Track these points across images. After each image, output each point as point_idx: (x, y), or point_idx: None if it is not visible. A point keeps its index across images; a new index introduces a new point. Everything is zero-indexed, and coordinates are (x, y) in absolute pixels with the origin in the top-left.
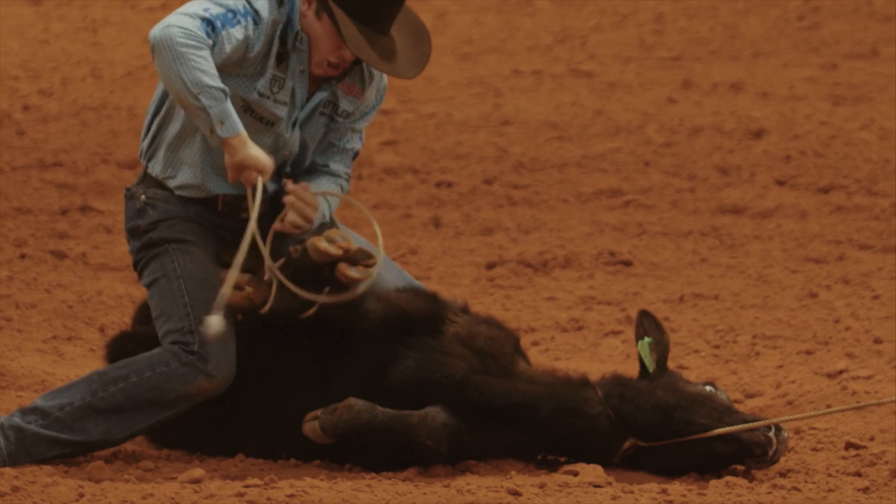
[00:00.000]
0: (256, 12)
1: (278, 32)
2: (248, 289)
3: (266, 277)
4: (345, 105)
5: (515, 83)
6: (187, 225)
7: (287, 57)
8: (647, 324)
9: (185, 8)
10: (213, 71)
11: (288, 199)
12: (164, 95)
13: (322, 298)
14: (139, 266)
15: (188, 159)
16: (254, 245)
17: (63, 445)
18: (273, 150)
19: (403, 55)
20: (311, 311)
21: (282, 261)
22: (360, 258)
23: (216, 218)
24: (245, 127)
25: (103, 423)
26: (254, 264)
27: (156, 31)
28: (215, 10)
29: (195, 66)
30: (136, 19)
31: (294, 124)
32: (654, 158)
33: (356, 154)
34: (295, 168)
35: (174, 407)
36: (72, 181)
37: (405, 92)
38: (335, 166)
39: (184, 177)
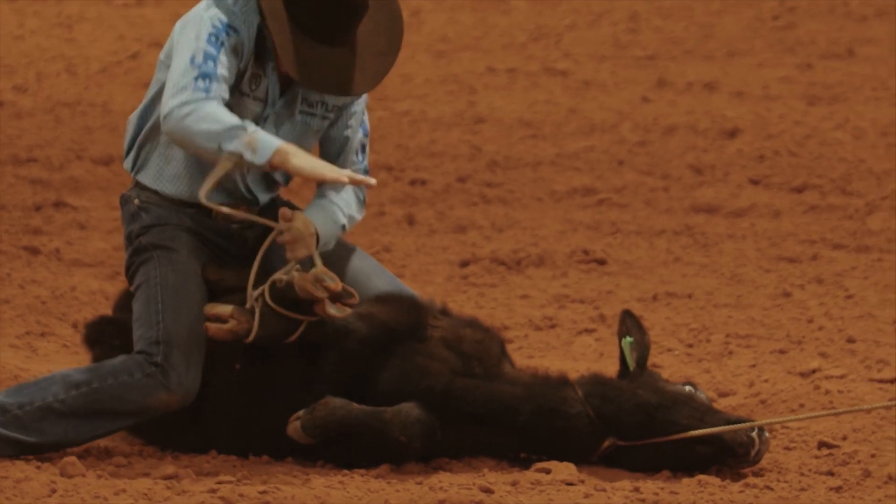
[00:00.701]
0: (231, 27)
1: (255, 31)
2: (232, 321)
3: (248, 306)
4: (333, 100)
5: (490, 81)
6: (177, 233)
7: (265, 53)
8: (630, 323)
9: (176, 79)
10: (219, 113)
11: (282, 237)
12: (148, 110)
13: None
14: (129, 271)
15: (178, 170)
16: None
17: (15, 445)
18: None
19: (360, 67)
20: (296, 335)
21: (261, 290)
22: (344, 297)
23: (210, 222)
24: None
25: (61, 425)
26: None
27: (166, 125)
28: (199, 57)
29: (203, 130)
30: (112, 15)
31: (265, 120)
32: (628, 157)
33: (364, 146)
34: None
35: (134, 417)
36: (46, 177)
37: (379, 89)
38: (333, 195)
39: (175, 188)
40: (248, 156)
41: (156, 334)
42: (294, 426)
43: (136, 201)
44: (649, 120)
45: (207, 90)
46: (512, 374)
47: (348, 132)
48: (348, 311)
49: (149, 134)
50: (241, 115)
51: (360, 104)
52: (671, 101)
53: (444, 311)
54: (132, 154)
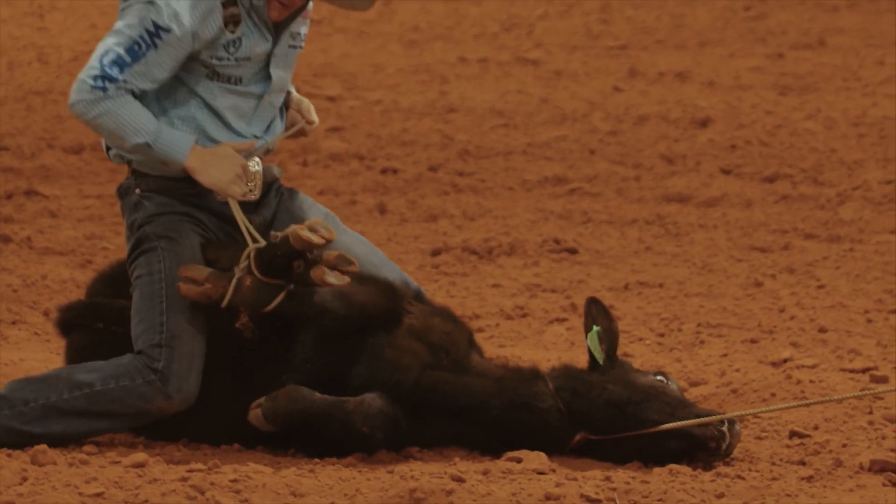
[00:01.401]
0: (176, 16)
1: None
2: (207, 284)
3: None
4: (304, 30)
5: (461, 71)
6: (182, 223)
7: (238, 17)
8: (596, 311)
9: (96, 60)
10: (128, 113)
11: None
12: None
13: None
14: (130, 260)
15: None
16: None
17: (20, 436)
18: (255, 102)
19: None
20: (272, 305)
21: (248, 258)
22: (340, 263)
23: (214, 203)
24: (221, 97)
25: (63, 423)
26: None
27: (72, 110)
28: (124, 46)
29: (112, 130)
30: (83, 5)
31: (267, 77)
32: (599, 147)
33: None
34: (274, 119)
35: (134, 420)
36: (17, 165)
37: (351, 79)
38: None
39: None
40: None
41: (158, 337)
42: (255, 413)
43: (137, 191)
44: (621, 110)
45: (106, 90)
46: (482, 366)
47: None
48: (346, 279)
49: None
50: (228, 77)
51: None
52: (643, 90)
53: (418, 296)
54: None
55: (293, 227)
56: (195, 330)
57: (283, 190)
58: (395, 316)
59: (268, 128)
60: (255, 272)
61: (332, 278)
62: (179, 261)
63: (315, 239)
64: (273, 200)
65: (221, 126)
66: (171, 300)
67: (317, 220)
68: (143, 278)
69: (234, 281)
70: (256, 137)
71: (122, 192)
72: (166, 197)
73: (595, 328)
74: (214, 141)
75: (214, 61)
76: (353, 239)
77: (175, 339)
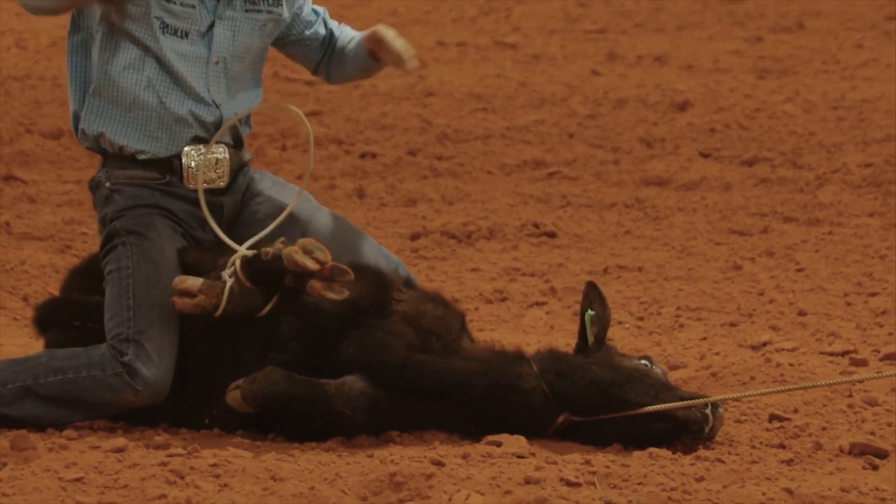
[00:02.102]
0: None
1: None
2: (200, 296)
3: (221, 280)
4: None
5: (440, 55)
6: (152, 217)
7: None
8: (593, 296)
9: None
10: None
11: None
12: (84, 73)
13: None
14: (102, 255)
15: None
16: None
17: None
18: (205, 63)
19: None
20: (266, 309)
21: (233, 265)
22: (336, 274)
23: (185, 192)
24: (171, 51)
25: (41, 406)
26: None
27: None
28: None
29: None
30: None
31: (213, 25)
32: (578, 130)
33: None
34: (237, 91)
35: (105, 411)
36: None
37: None
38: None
39: (138, 144)
40: None
41: (126, 331)
42: (233, 395)
43: (108, 184)
44: (599, 93)
45: None
46: (468, 349)
47: (304, 13)
48: (346, 293)
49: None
50: (175, 30)
51: None
52: (621, 74)
53: (409, 283)
54: (85, 121)
55: (287, 250)
56: (164, 324)
57: (252, 174)
58: (386, 305)
59: (231, 98)
60: (244, 281)
61: (332, 293)
62: (147, 256)
63: (310, 265)
64: (242, 184)
65: (175, 87)
66: (138, 296)
67: (310, 240)
68: (113, 274)
69: (226, 290)
70: (216, 105)
71: (94, 186)
72: (136, 189)
73: (590, 312)
74: (167, 103)
75: (161, 9)
76: (331, 216)
77: (142, 333)
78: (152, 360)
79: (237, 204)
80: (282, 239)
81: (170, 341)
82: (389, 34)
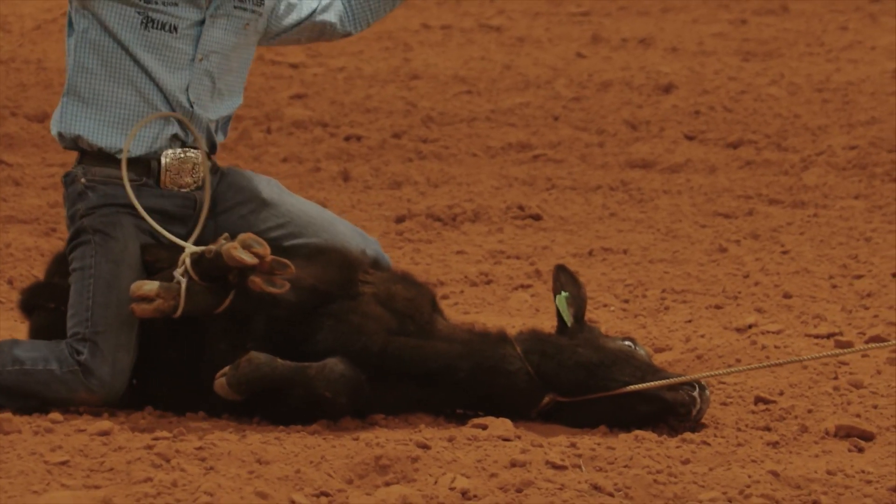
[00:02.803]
0: None
1: None
2: (158, 300)
3: (175, 282)
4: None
5: (425, 37)
6: (119, 217)
7: None
8: (564, 278)
9: None
10: None
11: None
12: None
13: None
14: (69, 250)
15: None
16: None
17: None
18: (189, 61)
19: None
20: (223, 306)
21: (184, 264)
22: (276, 268)
23: (158, 189)
24: (157, 48)
25: (2, 395)
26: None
27: None
28: None
29: None
30: None
31: (203, 23)
32: (563, 113)
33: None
34: (218, 95)
35: (59, 405)
36: None
37: (314, 46)
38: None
39: (117, 143)
40: None
41: (83, 331)
42: (220, 382)
43: (83, 180)
44: (584, 76)
45: None
46: (448, 330)
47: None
48: (286, 285)
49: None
50: (162, 24)
51: None
52: (606, 56)
53: (376, 264)
54: (65, 119)
55: (226, 246)
56: (121, 326)
57: (221, 170)
58: (351, 286)
59: (210, 100)
60: (195, 279)
61: (272, 287)
62: (110, 257)
63: (248, 259)
64: (214, 180)
65: (152, 84)
66: (97, 296)
67: (249, 234)
68: (77, 272)
69: (183, 291)
70: (191, 104)
71: (69, 181)
72: (111, 188)
73: (563, 294)
74: (146, 100)
75: (142, 6)
76: (300, 200)
77: (98, 334)
78: (107, 360)
79: (211, 198)
80: (225, 235)
81: (126, 342)
82: None
